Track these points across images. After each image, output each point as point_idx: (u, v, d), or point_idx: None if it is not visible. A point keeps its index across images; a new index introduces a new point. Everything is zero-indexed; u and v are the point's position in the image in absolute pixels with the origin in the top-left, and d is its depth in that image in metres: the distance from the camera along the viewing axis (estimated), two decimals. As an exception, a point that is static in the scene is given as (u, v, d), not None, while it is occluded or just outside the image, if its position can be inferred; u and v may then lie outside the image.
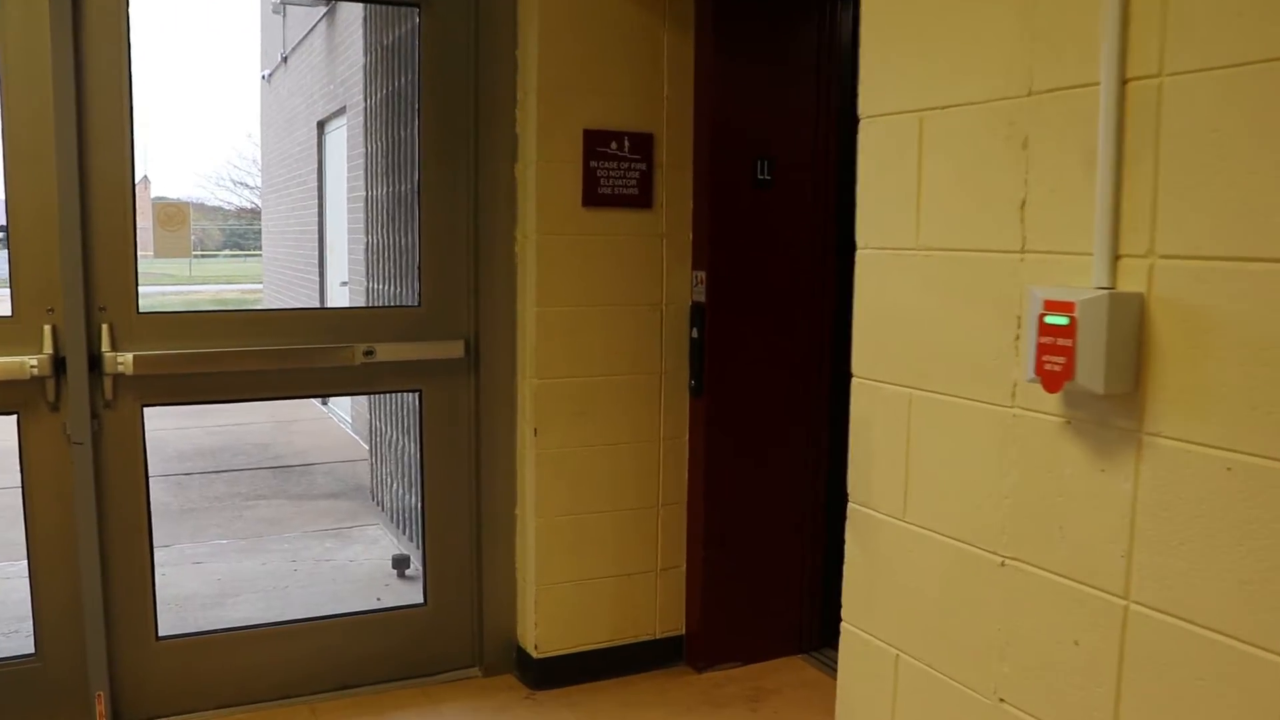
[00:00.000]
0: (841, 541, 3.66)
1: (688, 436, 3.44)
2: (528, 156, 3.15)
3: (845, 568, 1.96)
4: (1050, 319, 1.38)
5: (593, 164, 3.15)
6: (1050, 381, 1.39)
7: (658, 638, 3.47)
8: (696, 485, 3.43)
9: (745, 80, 3.29)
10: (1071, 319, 1.35)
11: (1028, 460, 1.53)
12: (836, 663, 1.85)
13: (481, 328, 3.25)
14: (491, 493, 3.33)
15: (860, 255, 1.88)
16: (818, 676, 3.40)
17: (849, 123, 3.56)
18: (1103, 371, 1.34)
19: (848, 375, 1.92)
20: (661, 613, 3.47)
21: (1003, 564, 1.59)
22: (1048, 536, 1.50)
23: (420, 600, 3.36)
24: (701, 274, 3.33)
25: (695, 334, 3.37)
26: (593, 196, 3.17)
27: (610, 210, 3.21)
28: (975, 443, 1.62)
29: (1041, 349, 1.39)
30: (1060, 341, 1.36)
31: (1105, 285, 1.37)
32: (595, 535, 3.32)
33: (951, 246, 1.66)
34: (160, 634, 3.01)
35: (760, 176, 3.33)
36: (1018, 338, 1.54)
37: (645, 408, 3.36)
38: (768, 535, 3.51)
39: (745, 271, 3.36)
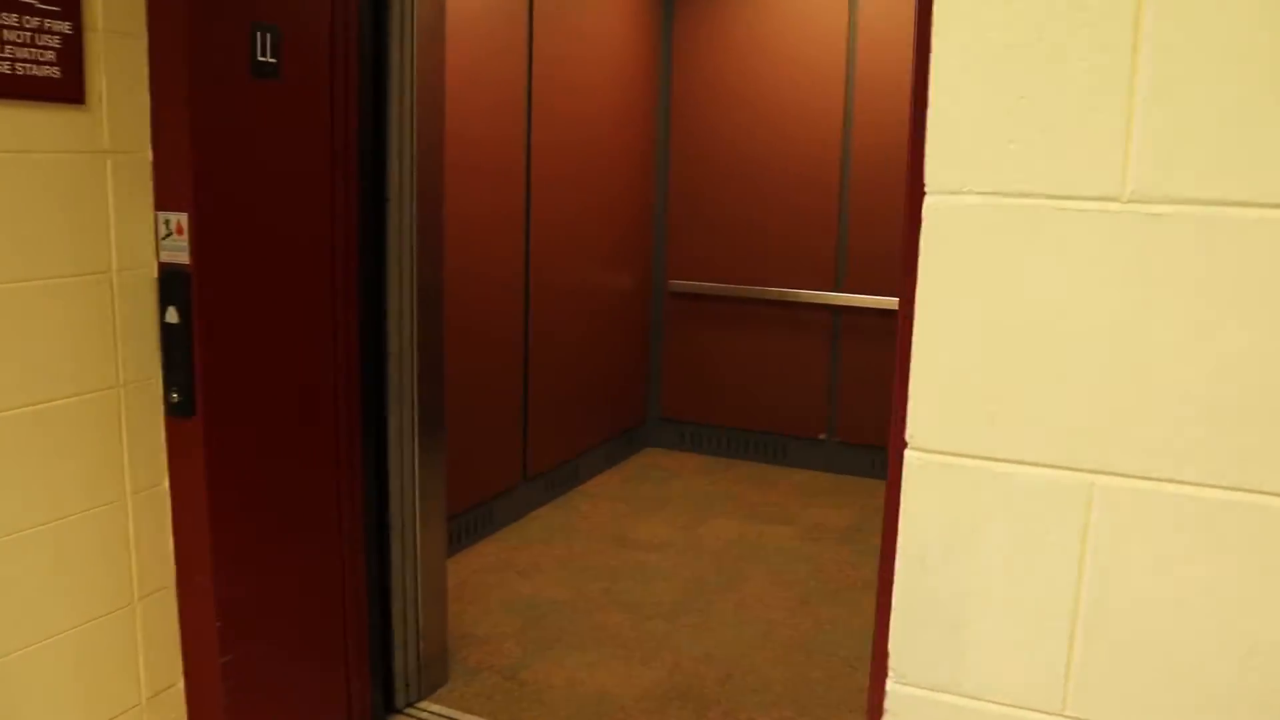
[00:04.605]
0: (387, 579, 2.59)
1: (169, 481, 2.13)
2: None
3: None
4: None
5: (-29, 15, 1.66)
6: None
7: (157, 809, 2.16)
8: (196, 553, 2.14)
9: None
10: None
11: None
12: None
13: None
14: None
15: (933, 207, 0.94)
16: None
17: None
18: None
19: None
20: (159, 768, 2.16)
21: None
22: None
23: None
24: (178, 218, 2.02)
25: (174, 317, 2.06)
26: (-25, 78, 1.69)
27: (9, 106, 1.75)
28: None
29: None
30: None
31: None
32: (37, 684, 1.90)
33: (1259, 201, 0.84)
34: None
35: (261, 58, 2.09)
36: None
37: (99, 448, 1.98)
38: (307, 603, 2.36)
39: (249, 212, 2.12)
